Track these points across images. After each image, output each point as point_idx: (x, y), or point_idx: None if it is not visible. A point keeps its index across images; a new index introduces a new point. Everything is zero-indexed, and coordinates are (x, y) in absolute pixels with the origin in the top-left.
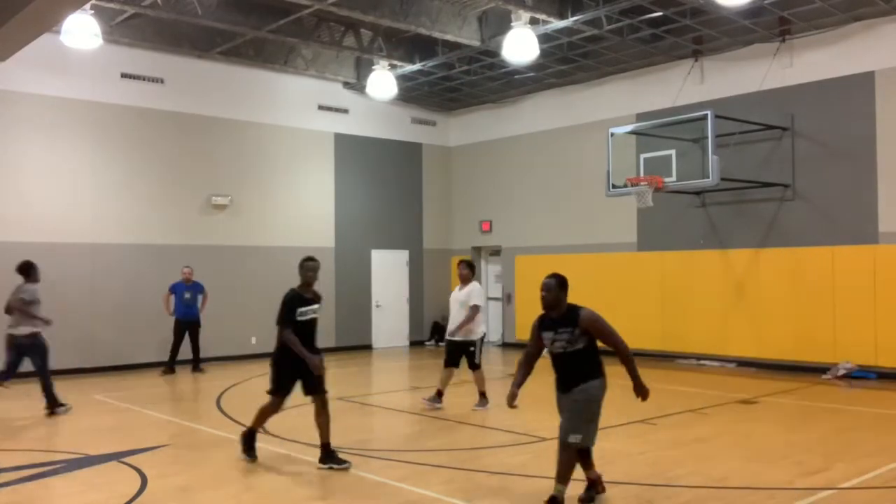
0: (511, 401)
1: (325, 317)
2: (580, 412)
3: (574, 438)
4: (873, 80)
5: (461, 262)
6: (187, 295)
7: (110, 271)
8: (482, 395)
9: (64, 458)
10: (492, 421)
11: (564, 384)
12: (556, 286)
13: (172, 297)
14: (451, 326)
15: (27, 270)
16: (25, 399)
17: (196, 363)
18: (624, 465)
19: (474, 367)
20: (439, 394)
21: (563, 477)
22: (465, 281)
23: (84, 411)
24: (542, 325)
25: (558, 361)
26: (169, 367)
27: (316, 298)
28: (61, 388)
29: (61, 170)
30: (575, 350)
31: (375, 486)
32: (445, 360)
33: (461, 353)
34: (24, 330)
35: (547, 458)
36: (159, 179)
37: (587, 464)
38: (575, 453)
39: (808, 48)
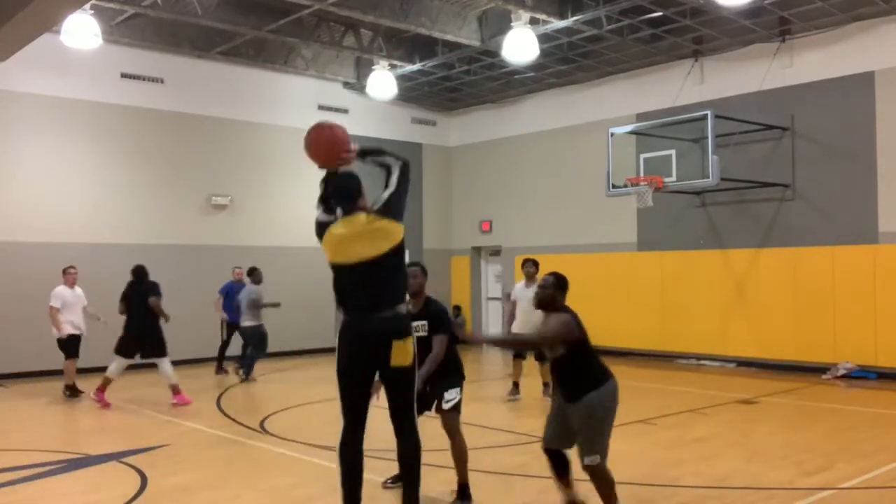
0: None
1: (325, 316)
2: (585, 430)
3: (589, 461)
4: (873, 80)
5: (528, 260)
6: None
7: (110, 271)
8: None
9: (64, 458)
10: (492, 421)
11: (563, 393)
12: (552, 284)
13: (221, 300)
14: (523, 321)
15: (253, 273)
16: (23, 399)
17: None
18: (624, 465)
19: (543, 357)
20: (516, 385)
21: (608, 500)
22: (531, 278)
23: (84, 411)
24: None
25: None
26: (220, 367)
27: (421, 314)
28: (59, 388)
29: (61, 170)
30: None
31: (375, 486)
32: (516, 353)
33: None
34: (250, 323)
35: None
36: (159, 179)
37: (565, 481)
38: (603, 473)
39: (808, 48)
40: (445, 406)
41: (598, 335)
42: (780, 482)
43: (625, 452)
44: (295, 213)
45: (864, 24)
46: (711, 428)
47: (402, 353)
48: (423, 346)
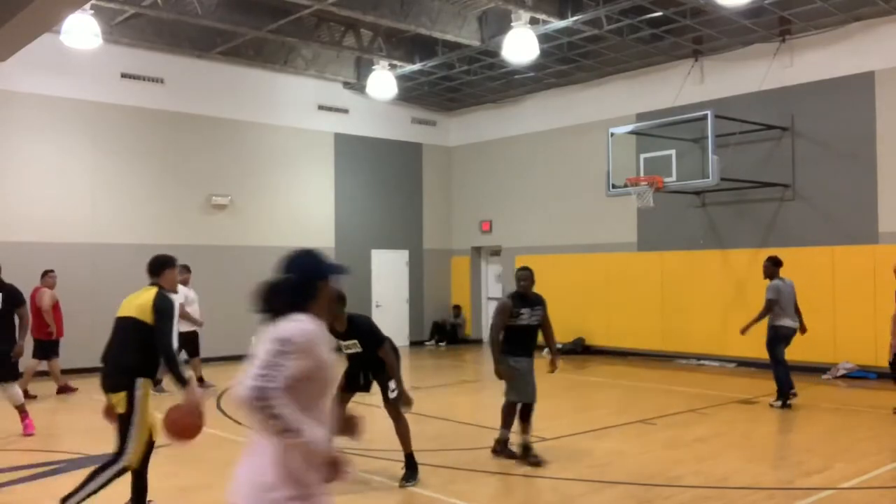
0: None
1: None
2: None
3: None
4: (873, 80)
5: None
6: None
7: (110, 271)
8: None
9: (64, 458)
10: (492, 421)
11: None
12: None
13: None
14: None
15: None
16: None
17: None
18: (624, 465)
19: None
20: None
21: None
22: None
23: (84, 411)
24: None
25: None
26: None
27: (349, 333)
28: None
29: (61, 170)
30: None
31: (376, 486)
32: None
33: None
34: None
35: (547, 458)
36: (159, 179)
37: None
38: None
39: (808, 48)
40: (391, 395)
41: (599, 335)
42: (780, 482)
43: (625, 452)
44: (295, 213)
45: (864, 24)
46: (711, 428)
47: (117, 402)
48: (357, 359)
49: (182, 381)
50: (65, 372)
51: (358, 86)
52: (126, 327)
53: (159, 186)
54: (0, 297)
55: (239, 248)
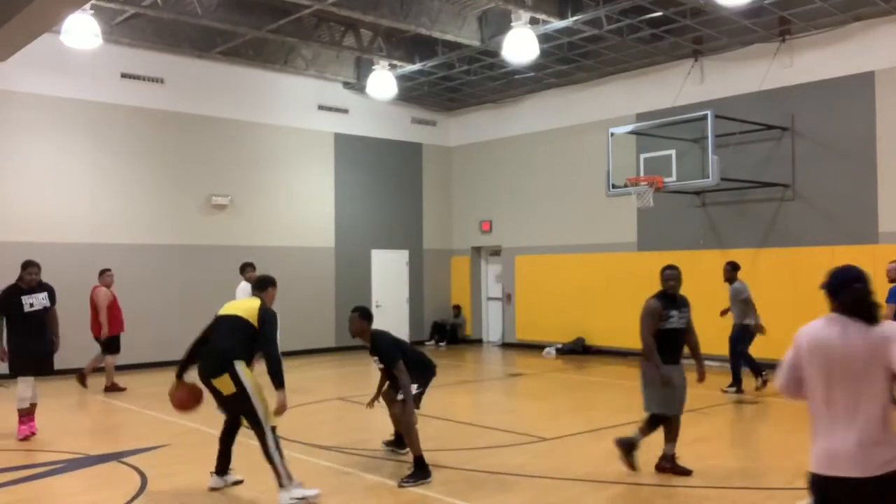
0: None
1: (324, 317)
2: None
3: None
4: (873, 80)
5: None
6: None
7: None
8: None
9: (64, 458)
10: (492, 421)
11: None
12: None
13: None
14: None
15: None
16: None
17: None
18: (623, 465)
19: None
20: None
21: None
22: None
23: (84, 411)
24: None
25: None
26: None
27: (373, 350)
28: (62, 388)
29: (61, 170)
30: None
31: (376, 485)
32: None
33: None
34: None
35: (547, 458)
36: (159, 179)
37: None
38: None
39: (808, 48)
40: (398, 397)
41: (599, 335)
42: (780, 482)
43: None
44: (295, 213)
45: (864, 24)
46: (711, 428)
47: (222, 385)
48: (388, 373)
49: (279, 383)
50: (60, 372)
51: (358, 86)
52: (231, 322)
53: (159, 186)
54: (46, 296)
55: (239, 248)
